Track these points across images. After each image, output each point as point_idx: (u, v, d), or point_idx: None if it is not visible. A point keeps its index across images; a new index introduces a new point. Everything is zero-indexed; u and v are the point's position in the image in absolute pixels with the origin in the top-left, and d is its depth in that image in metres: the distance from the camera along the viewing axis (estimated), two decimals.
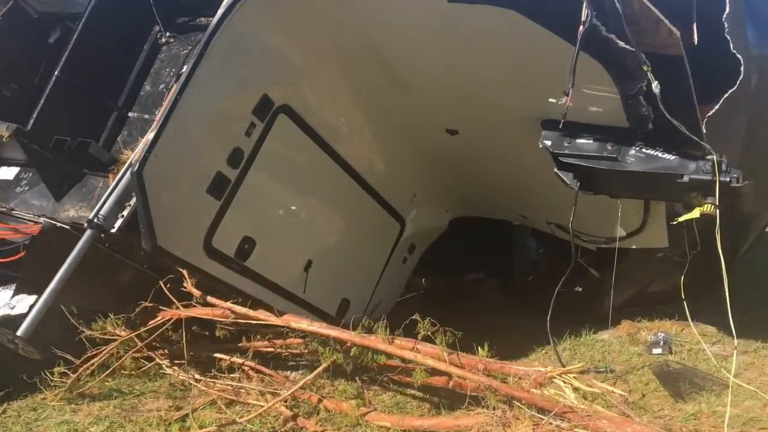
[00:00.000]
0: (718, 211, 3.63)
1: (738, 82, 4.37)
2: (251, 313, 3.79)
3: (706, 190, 3.66)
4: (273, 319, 3.74)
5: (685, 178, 3.64)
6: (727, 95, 4.42)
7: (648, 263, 5.56)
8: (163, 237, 3.65)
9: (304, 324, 3.66)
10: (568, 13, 3.09)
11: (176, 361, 4.95)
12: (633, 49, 3.04)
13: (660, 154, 3.73)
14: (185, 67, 3.54)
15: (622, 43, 3.07)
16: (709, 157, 3.62)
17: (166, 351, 4.95)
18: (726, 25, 4.27)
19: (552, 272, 6.14)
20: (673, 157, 3.70)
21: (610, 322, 6.12)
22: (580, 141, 3.93)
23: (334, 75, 4.24)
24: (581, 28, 2.83)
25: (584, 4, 2.79)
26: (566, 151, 3.97)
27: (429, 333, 3.63)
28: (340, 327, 4.39)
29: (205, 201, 3.87)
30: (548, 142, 4.01)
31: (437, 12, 3.41)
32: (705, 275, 6.28)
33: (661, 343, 5.37)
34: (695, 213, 3.72)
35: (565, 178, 4.20)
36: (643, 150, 3.77)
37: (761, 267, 7.64)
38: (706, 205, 3.67)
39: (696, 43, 4.51)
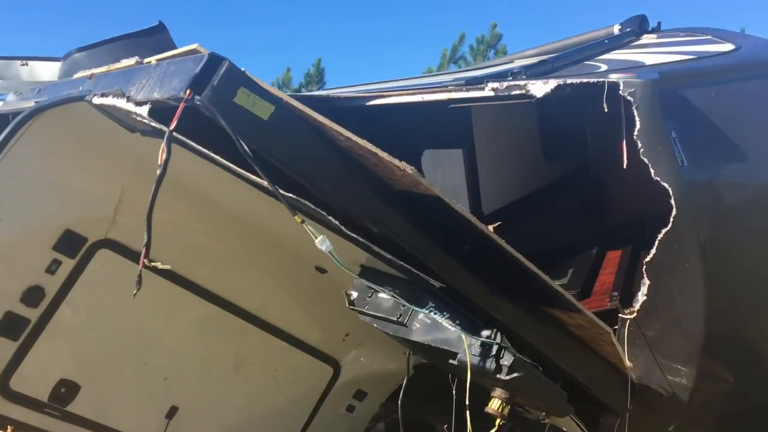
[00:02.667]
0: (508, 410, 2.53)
1: (671, 221, 3.28)
2: None
3: (485, 377, 2.59)
4: None
5: (457, 359, 2.62)
6: (660, 237, 3.33)
7: None
8: None
9: None
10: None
11: None
12: (273, 191, 2.27)
13: (444, 322, 2.75)
14: None
15: (281, 192, 2.33)
16: (484, 332, 2.57)
17: None
18: (639, 145, 3.23)
19: None
20: (454, 328, 2.69)
21: None
22: (381, 296, 3.08)
23: (171, 206, 3.86)
24: (158, 171, 2.17)
25: (163, 142, 2.14)
26: (365, 309, 3.13)
27: None
28: None
29: None
30: (354, 294, 3.21)
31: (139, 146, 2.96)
32: None
33: None
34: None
35: None
36: (432, 314, 2.81)
37: None
38: (493, 401, 2.59)
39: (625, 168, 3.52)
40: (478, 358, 2.53)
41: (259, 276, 4.31)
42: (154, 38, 3.93)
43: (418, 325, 2.82)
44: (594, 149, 4.91)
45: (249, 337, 4.44)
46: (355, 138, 2.43)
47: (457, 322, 2.67)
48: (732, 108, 3.51)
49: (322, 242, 2.34)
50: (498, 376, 2.49)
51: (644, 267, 3.43)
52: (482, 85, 3.61)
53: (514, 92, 3.53)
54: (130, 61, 2.80)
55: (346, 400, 5.07)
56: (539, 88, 3.42)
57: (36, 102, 3.48)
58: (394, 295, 2.94)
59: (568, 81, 3.35)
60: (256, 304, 4.37)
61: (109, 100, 2.51)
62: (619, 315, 3.68)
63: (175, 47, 3.80)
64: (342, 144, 2.51)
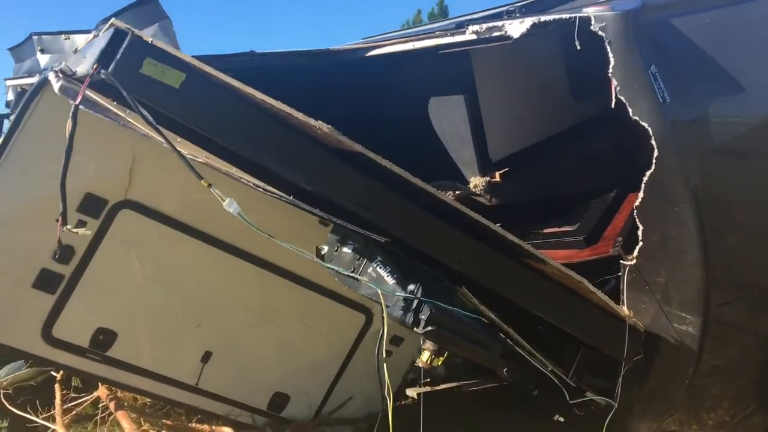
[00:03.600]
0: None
1: (654, 163, 3.11)
2: None
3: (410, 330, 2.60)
4: None
5: (386, 313, 2.64)
6: (645, 180, 3.18)
7: None
8: None
9: None
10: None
11: None
12: (178, 153, 2.37)
13: (386, 276, 2.77)
14: None
15: (186, 156, 2.44)
16: (410, 287, 2.56)
17: None
18: (615, 83, 3.07)
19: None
20: (393, 281, 2.71)
21: None
22: (344, 250, 3.14)
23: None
24: (66, 144, 2.33)
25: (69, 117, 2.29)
26: (331, 263, 3.20)
27: None
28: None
29: (34, 295, 4.05)
30: (325, 248, 3.29)
31: None
32: None
33: None
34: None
35: None
36: (377, 269, 2.84)
37: None
38: (423, 353, 2.60)
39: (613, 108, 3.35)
40: (401, 312, 2.55)
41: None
42: (144, 9, 4.08)
43: (366, 279, 2.85)
44: None
45: (276, 288, 4.62)
46: (269, 99, 2.47)
47: (395, 276, 2.69)
48: (729, 36, 3.16)
49: (230, 204, 2.42)
50: (415, 329, 2.50)
51: (635, 211, 3.26)
52: (464, 29, 3.49)
53: (495, 34, 3.39)
54: (90, 36, 2.97)
55: (383, 346, 5.17)
56: (515, 28, 3.27)
57: None
58: (352, 250, 2.99)
59: (542, 19, 3.18)
60: (281, 257, 4.52)
61: (50, 75, 2.69)
62: (620, 261, 3.54)
63: (166, 16, 3.94)
64: (263, 107, 2.56)
